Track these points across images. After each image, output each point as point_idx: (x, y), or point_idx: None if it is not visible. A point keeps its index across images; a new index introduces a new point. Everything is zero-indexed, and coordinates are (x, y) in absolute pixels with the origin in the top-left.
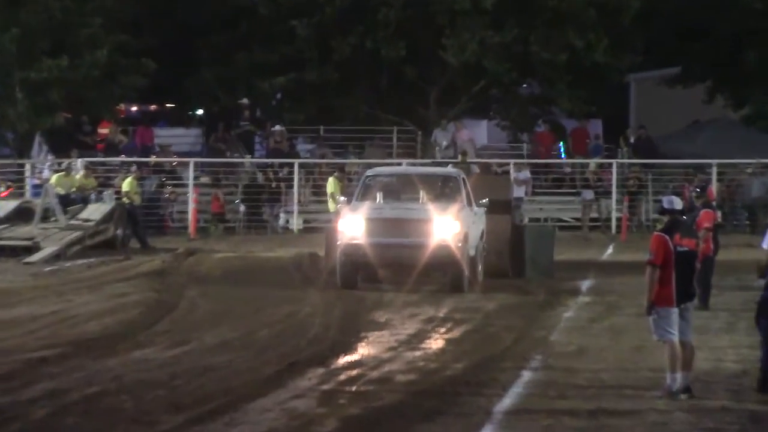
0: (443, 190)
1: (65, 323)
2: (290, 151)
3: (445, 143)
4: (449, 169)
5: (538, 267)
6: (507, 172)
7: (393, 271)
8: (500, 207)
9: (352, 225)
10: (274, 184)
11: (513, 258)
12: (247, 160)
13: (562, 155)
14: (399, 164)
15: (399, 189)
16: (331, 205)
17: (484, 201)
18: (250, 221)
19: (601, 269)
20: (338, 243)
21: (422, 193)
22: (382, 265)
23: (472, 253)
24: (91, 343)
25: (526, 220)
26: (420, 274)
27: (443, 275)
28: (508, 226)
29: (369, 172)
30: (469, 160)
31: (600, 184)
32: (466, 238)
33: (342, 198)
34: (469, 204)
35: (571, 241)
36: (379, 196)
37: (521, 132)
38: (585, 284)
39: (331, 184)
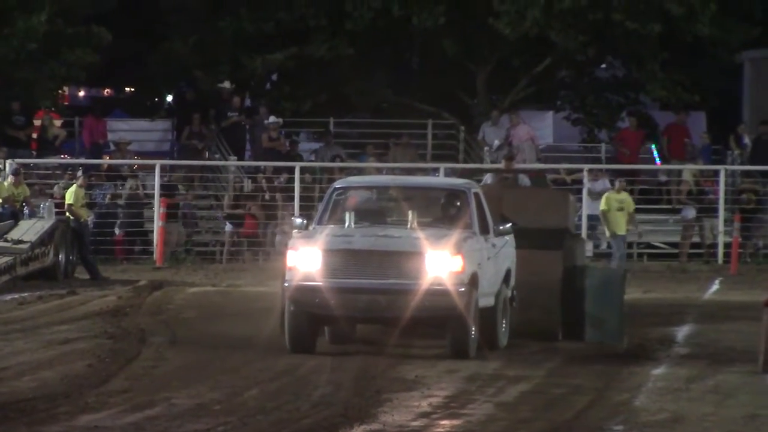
0: (447, 210)
1: None
2: (290, 151)
3: (497, 142)
4: (455, 181)
5: (602, 328)
6: (578, 182)
7: (368, 327)
8: (546, 238)
9: (305, 259)
10: (267, 195)
11: (566, 313)
12: (232, 163)
13: (656, 159)
14: (436, 170)
15: (380, 208)
16: None
17: (505, 227)
18: (236, 244)
19: (703, 312)
20: (285, 285)
21: (411, 215)
22: (349, 318)
23: (488, 302)
24: (24, 405)
25: (604, 246)
26: (407, 332)
27: (443, 333)
28: (559, 266)
29: (338, 183)
30: (517, 166)
31: (703, 198)
32: (473, 281)
33: (298, 219)
34: (484, 231)
35: (665, 274)
36: (348, 217)
37: (599, 128)
38: (681, 332)
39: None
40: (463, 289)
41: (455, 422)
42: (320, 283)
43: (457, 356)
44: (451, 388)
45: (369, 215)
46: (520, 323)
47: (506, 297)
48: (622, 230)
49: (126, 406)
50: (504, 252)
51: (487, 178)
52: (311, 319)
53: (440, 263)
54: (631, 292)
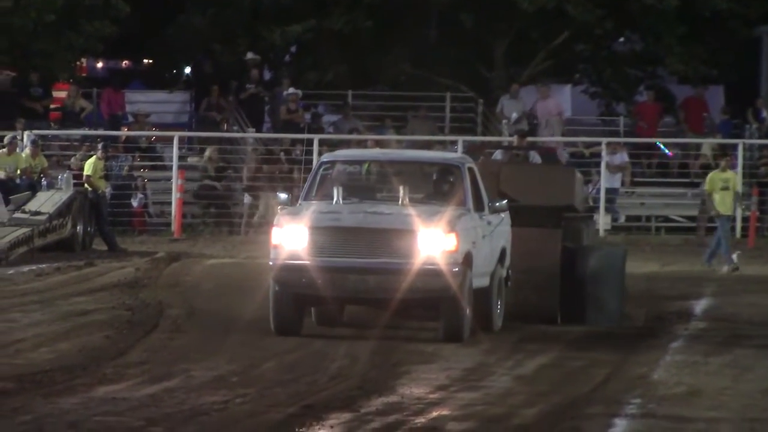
0: (439, 186)
1: (6, 350)
2: (310, 123)
3: (515, 115)
4: (448, 155)
5: (601, 310)
6: (597, 155)
7: (358, 308)
8: (546, 216)
9: (290, 237)
10: (286, 167)
11: (565, 296)
12: (250, 134)
13: (666, 153)
14: (454, 142)
15: (369, 184)
16: None
17: (500, 203)
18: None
19: (720, 285)
20: (270, 264)
21: (402, 191)
22: (336, 299)
23: (483, 283)
24: (41, 376)
25: (622, 219)
26: (398, 313)
27: (435, 315)
28: (557, 246)
29: (325, 157)
30: (531, 139)
31: None
32: (468, 260)
33: (283, 195)
34: (479, 208)
35: (682, 248)
36: (336, 192)
37: (617, 102)
38: (699, 305)
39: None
40: (456, 268)
41: (473, 395)
42: (306, 262)
43: (450, 339)
44: (469, 361)
45: (358, 191)
46: (516, 305)
47: (501, 277)
48: (727, 210)
49: (144, 378)
50: (499, 230)
51: (497, 155)
52: (297, 300)
53: (433, 241)
54: (649, 266)
